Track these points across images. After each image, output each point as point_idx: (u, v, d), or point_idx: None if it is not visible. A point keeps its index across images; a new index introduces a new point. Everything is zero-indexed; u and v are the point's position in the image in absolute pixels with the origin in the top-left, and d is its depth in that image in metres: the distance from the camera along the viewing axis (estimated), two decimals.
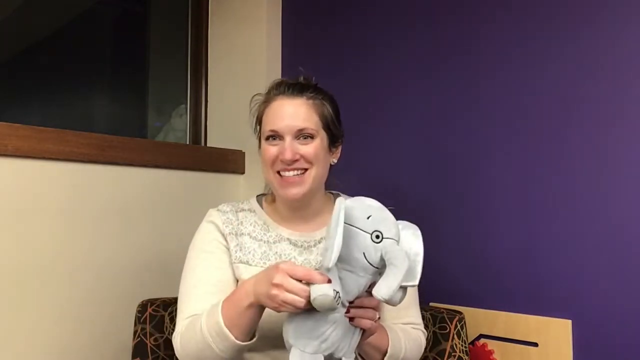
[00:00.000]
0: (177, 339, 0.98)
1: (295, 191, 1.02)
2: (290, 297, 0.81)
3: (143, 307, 1.22)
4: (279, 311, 0.85)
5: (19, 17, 1.67)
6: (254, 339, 0.93)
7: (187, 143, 1.88)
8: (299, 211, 1.09)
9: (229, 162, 1.74)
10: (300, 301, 0.81)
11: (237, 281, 1.05)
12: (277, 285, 0.82)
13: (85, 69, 1.78)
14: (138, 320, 1.20)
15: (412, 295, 1.11)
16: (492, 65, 1.37)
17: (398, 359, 0.99)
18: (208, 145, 1.88)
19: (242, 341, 0.90)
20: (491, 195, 1.35)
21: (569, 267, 1.23)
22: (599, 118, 1.21)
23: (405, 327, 1.07)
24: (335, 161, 1.13)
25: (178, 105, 1.93)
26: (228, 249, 1.06)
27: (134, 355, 1.18)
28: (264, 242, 1.07)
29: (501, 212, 1.33)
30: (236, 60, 1.85)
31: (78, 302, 1.33)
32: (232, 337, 0.89)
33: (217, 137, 1.86)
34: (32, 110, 1.66)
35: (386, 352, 0.96)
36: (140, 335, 1.19)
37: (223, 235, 1.07)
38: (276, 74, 1.78)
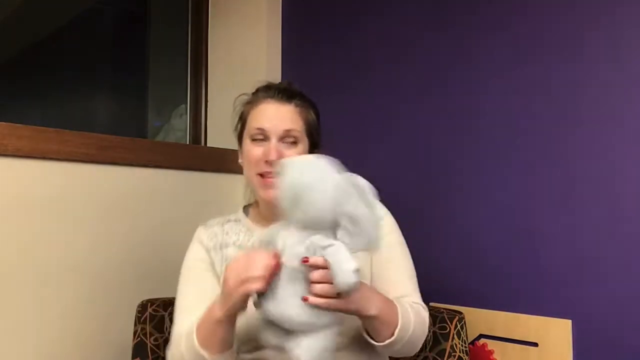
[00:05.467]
0: (168, 355, 1.00)
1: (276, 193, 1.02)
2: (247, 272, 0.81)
3: (143, 307, 1.22)
4: (242, 296, 0.82)
5: (19, 17, 1.67)
6: (232, 351, 0.93)
7: (187, 143, 1.88)
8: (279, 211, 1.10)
9: (229, 162, 1.73)
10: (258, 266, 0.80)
11: None
12: (227, 276, 0.84)
13: (85, 68, 1.78)
14: (138, 320, 1.21)
15: (405, 268, 1.07)
16: (492, 67, 1.37)
17: (408, 333, 0.94)
18: (208, 145, 1.88)
19: (220, 355, 0.90)
20: (491, 196, 1.35)
21: (569, 267, 1.23)
22: (600, 116, 1.21)
23: (410, 304, 1.01)
24: None
25: (178, 105, 1.93)
26: (213, 265, 1.07)
27: (134, 355, 1.18)
28: (248, 247, 1.08)
29: (502, 212, 1.33)
30: (236, 60, 1.85)
31: (78, 302, 1.32)
32: (207, 357, 0.89)
33: (217, 137, 1.86)
34: (32, 110, 1.66)
35: (396, 326, 0.92)
36: (140, 335, 1.19)
37: (207, 251, 1.09)
38: (276, 74, 1.78)
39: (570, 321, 1.22)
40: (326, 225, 0.80)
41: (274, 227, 0.86)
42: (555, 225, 1.25)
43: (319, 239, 0.79)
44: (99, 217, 1.38)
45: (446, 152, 1.43)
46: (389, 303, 0.94)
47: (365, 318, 0.90)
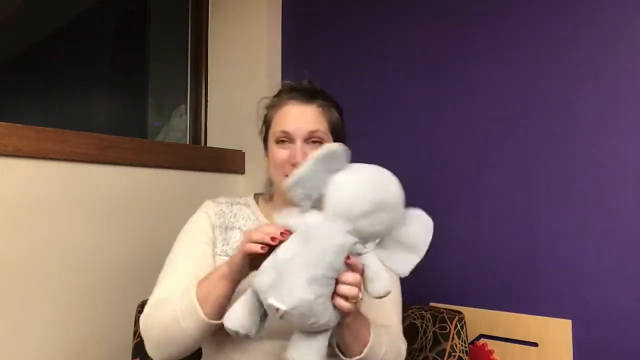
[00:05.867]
0: (142, 319, 0.98)
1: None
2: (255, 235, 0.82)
3: (143, 307, 1.22)
4: (241, 255, 0.84)
5: (19, 17, 1.67)
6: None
7: (187, 143, 1.89)
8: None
9: (229, 162, 1.74)
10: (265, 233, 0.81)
11: None
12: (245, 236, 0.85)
13: (85, 68, 1.77)
14: (138, 320, 1.20)
15: (393, 301, 1.06)
16: (492, 65, 1.37)
17: (378, 354, 0.93)
18: (208, 145, 1.88)
19: (211, 319, 0.89)
20: (491, 195, 1.35)
21: (569, 267, 1.23)
22: (597, 117, 1.21)
23: (386, 330, 1.00)
24: None
25: (178, 105, 1.93)
26: (213, 241, 1.08)
27: (134, 355, 1.18)
28: None
29: (501, 212, 1.33)
30: (236, 60, 1.85)
31: (78, 302, 1.33)
32: (201, 312, 0.89)
33: (217, 137, 1.86)
34: (32, 110, 1.66)
35: (366, 344, 0.90)
36: (141, 335, 1.19)
37: (212, 226, 1.09)
38: (276, 74, 1.78)
39: (570, 321, 1.22)
40: (371, 237, 0.80)
41: (317, 217, 0.82)
42: (555, 225, 1.25)
43: (358, 245, 0.80)
44: (99, 217, 1.38)
45: (446, 152, 1.43)
46: (363, 319, 0.93)
47: (339, 326, 0.86)
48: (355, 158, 1.57)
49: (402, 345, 1.02)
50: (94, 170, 1.37)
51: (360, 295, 0.80)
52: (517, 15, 1.34)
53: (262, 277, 0.77)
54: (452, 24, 1.44)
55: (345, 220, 0.79)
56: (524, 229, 1.30)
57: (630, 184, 1.17)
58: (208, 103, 1.91)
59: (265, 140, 1.13)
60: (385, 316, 1.03)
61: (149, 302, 1.01)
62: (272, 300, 0.75)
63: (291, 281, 0.74)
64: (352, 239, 0.78)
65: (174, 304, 0.92)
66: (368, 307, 0.99)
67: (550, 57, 1.28)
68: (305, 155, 1.01)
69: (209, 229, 1.09)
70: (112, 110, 1.87)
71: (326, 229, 0.78)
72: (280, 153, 1.05)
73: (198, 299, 0.89)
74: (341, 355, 0.93)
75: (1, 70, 1.63)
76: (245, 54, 1.82)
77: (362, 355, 0.91)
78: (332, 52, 1.69)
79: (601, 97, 1.21)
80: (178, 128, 1.91)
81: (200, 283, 0.92)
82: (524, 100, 1.31)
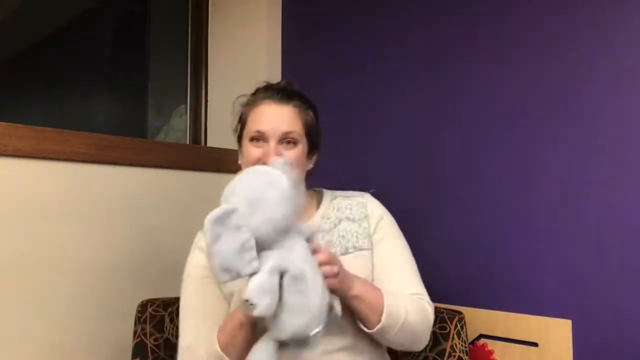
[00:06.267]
0: None
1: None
2: None
3: (143, 307, 1.22)
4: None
5: (19, 17, 1.67)
6: None
7: (187, 143, 1.89)
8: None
9: (229, 162, 1.73)
10: None
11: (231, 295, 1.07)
12: None
13: (85, 68, 1.78)
14: (138, 320, 1.21)
15: (409, 267, 1.10)
16: (492, 65, 1.37)
17: (398, 321, 0.97)
18: (208, 145, 1.88)
19: None
20: (491, 195, 1.35)
21: (569, 267, 1.23)
22: (597, 117, 1.21)
23: (406, 295, 1.04)
24: (312, 166, 1.13)
25: (178, 105, 1.93)
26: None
27: (134, 355, 1.18)
28: None
29: (501, 212, 1.33)
30: (236, 60, 1.85)
31: (78, 302, 1.32)
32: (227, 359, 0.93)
33: (217, 137, 1.86)
34: (32, 110, 1.66)
35: (382, 310, 0.95)
36: (140, 335, 1.19)
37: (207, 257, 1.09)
38: (276, 74, 1.78)
39: (570, 321, 1.22)
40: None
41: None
42: (555, 225, 1.25)
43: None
44: (99, 217, 1.38)
45: (446, 152, 1.43)
46: (373, 288, 0.97)
47: (349, 299, 0.93)
48: (355, 157, 1.58)
49: (429, 308, 1.05)
50: (94, 170, 1.37)
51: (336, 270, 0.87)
52: (517, 15, 1.34)
53: (294, 322, 0.80)
54: (452, 24, 1.44)
55: (295, 235, 0.84)
56: (524, 229, 1.30)
57: (630, 184, 1.16)
58: (208, 103, 1.91)
59: (239, 138, 1.13)
60: (406, 285, 1.06)
61: (179, 348, 1.04)
62: (317, 330, 0.80)
63: (318, 305, 0.81)
64: (303, 239, 0.84)
65: (202, 356, 0.97)
66: (387, 279, 1.04)
67: (550, 57, 1.28)
68: (278, 154, 1.02)
69: (204, 262, 1.08)
70: (112, 110, 1.87)
71: (292, 259, 0.81)
72: (254, 151, 1.05)
73: (222, 349, 0.93)
74: (364, 328, 0.97)
75: (1, 70, 1.63)
76: (245, 54, 1.82)
77: (382, 323, 0.95)
78: (332, 52, 1.69)
79: (601, 97, 1.21)
80: (178, 128, 1.91)
81: (220, 333, 0.95)
82: (524, 100, 1.31)
